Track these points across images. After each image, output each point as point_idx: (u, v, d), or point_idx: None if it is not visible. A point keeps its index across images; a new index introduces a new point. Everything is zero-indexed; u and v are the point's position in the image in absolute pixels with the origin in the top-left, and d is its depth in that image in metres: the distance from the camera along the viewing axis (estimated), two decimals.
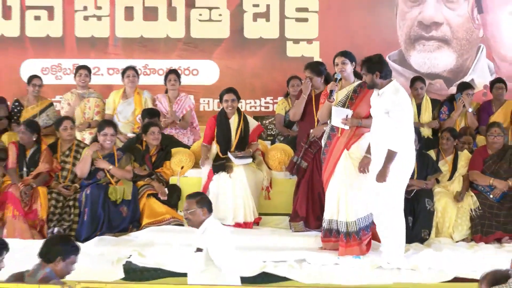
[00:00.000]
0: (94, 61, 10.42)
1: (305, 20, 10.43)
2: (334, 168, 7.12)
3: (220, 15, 10.44)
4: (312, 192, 7.68)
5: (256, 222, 8.05)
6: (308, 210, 7.71)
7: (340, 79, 7.17)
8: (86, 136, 9.08)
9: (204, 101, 10.49)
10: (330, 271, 6.92)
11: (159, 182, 8.18)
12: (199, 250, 5.75)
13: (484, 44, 10.50)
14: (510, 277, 4.78)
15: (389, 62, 8.39)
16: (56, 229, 7.81)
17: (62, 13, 10.43)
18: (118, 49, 10.51)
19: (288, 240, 7.57)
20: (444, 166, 8.29)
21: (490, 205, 7.95)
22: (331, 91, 7.10)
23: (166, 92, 9.42)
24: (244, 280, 6.72)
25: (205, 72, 10.49)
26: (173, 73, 9.44)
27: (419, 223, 7.81)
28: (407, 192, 7.31)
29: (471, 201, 8.01)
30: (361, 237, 7.09)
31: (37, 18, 10.45)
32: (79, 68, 9.40)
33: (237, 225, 7.90)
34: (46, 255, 5.17)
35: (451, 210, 7.95)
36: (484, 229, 7.87)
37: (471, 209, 7.97)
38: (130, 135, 9.00)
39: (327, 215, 7.22)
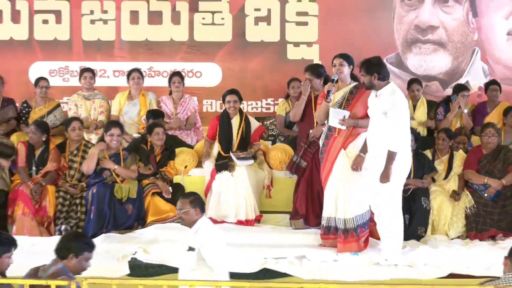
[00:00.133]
0: (100, 64, 10.43)
1: (305, 24, 10.43)
2: (332, 167, 7.13)
3: (222, 19, 10.44)
4: (312, 191, 7.69)
5: (258, 220, 8.05)
6: (307, 208, 7.72)
7: (337, 81, 7.17)
8: (92, 136, 9.10)
9: (207, 102, 10.49)
10: (329, 267, 6.92)
11: (163, 181, 8.19)
12: (191, 249, 5.75)
13: (479, 47, 10.50)
14: None
15: (387, 64, 8.38)
16: (63, 227, 7.83)
17: (69, 17, 10.43)
18: (124, 52, 10.51)
19: (288, 237, 7.58)
20: (440, 165, 8.29)
21: (484, 203, 7.95)
22: (328, 92, 7.11)
23: (170, 93, 9.42)
24: (246, 276, 6.75)
25: (208, 74, 10.49)
26: (177, 75, 9.44)
27: (415, 220, 7.80)
28: (404, 190, 7.33)
29: (466, 199, 8.01)
30: (358, 234, 7.09)
31: (45, 22, 10.45)
32: (84, 71, 9.40)
33: (239, 222, 7.90)
34: (60, 251, 5.18)
35: (447, 208, 7.95)
36: (479, 226, 7.87)
37: (466, 207, 7.97)
38: (135, 135, 9.00)
39: (326, 213, 7.23)
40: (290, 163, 7.88)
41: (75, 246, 5.17)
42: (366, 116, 7.07)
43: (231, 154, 8.08)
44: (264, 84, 10.47)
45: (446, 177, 8.25)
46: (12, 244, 5.11)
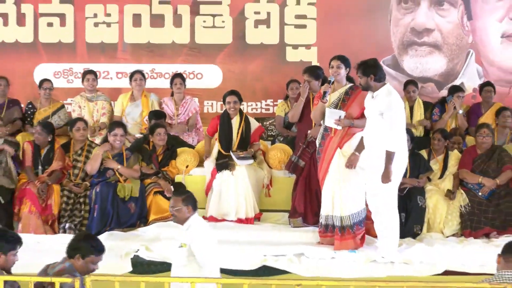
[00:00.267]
0: (104, 66, 10.43)
1: (304, 26, 10.43)
2: (329, 166, 7.13)
3: (223, 22, 10.44)
4: (310, 190, 7.69)
5: (257, 218, 8.05)
6: (306, 207, 7.72)
7: (333, 82, 7.18)
8: (96, 137, 9.09)
9: (208, 103, 10.49)
10: (327, 264, 6.92)
11: (165, 180, 8.19)
12: (182, 245, 5.75)
13: (473, 49, 10.49)
14: None
15: (383, 66, 8.36)
16: (67, 225, 7.84)
17: (73, 20, 10.44)
18: (127, 54, 10.52)
19: (287, 235, 7.57)
20: (435, 165, 8.29)
21: (479, 202, 7.95)
22: (325, 93, 7.12)
23: (172, 95, 9.42)
24: (246, 273, 6.75)
25: (209, 76, 10.49)
26: (178, 77, 9.43)
27: (411, 219, 7.81)
28: (400, 189, 7.33)
29: (460, 198, 8.02)
30: (355, 232, 7.09)
31: (49, 24, 10.45)
32: (86, 73, 9.39)
33: (239, 220, 7.90)
34: (68, 250, 5.20)
35: (442, 207, 7.95)
36: (473, 224, 7.87)
37: (461, 205, 7.98)
38: (138, 135, 9.00)
39: (324, 212, 7.23)
40: (289, 162, 7.89)
41: (82, 247, 5.16)
42: (361, 116, 7.10)
43: (231, 153, 8.08)
44: (264, 85, 10.47)
45: (441, 176, 8.26)
46: (17, 242, 5.11)
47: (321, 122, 7.27)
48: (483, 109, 9.48)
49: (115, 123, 8.46)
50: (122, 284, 4.66)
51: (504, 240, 6.56)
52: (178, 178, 8.34)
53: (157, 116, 8.84)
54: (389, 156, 6.68)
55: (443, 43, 10.48)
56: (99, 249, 5.17)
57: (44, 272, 5.14)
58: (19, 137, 8.78)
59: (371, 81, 6.81)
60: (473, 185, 8.07)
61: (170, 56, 10.49)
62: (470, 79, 10.45)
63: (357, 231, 7.12)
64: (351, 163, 7.02)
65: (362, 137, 7.04)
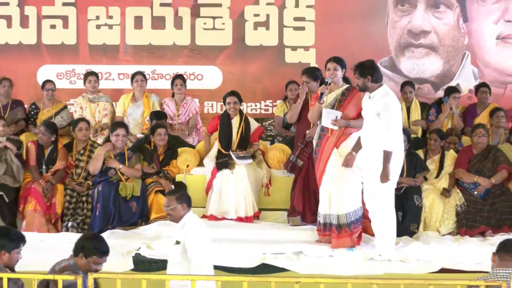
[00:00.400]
0: (106, 67, 10.43)
1: (302, 28, 10.43)
2: (326, 166, 7.14)
3: (223, 24, 10.44)
4: (308, 189, 7.69)
5: (256, 216, 8.05)
6: (304, 206, 7.72)
7: (330, 83, 7.18)
8: (98, 137, 9.09)
9: (208, 104, 10.49)
10: (325, 262, 6.92)
11: (166, 180, 8.19)
12: (177, 243, 5.75)
13: (469, 51, 10.49)
14: None
15: (381, 67, 8.36)
16: (70, 223, 7.84)
17: (76, 22, 10.43)
18: (128, 55, 10.51)
19: (286, 234, 7.57)
20: (432, 164, 8.29)
21: (474, 201, 7.95)
22: (322, 94, 7.12)
23: (173, 96, 9.42)
24: (245, 271, 6.75)
25: (209, 77, 10.48)
26: (179, 78, 9.44)
27: (408, 217, 7.80)
28: (397, 189, 7.33)
29: (456, 197, 8.02)
30: (352, 230, 7.10)
31: (52, 26, 10.45)
32: (88, 74, 9.38)
33: (239, 219, 7.90)
34: (74, 248, 5.20)
35: (438, 206, 7.95)
36: (469, 223, 7.87)
37: (456, 204, 7.97)
38: (139, 135, 9.00)
39: (322, 210, 7.23)
40: (287, 162, 7.90)
41: (86, 247, 5.16)
42: (357, 117, 7.11)
43: (231, 152, 8.09)
44: (263, 86, 10.47)
45: (437, 176, 8.26)
46: (21, 240, 5.11)
47: (318, 122, 7.27)
48: (478, 110, 9.48)
49: (117, 124, 8.46)
50: (124, 282, 4.66)
51: (499, 238, 6.55)
52: (179, 178, 8.33)
53: (158, 117, 8.84)
54: (387, 156, 6.68)
55: (439, 45, 10.48)
56: (102, 251, 5.15)
57: (52, 269, 5.15)
58: (22, 137, 8.78)
59: (368, 82, 6.81)
60: (468, 184, 8.07)
61: (171, 57, 10.49)
62: (466, 80, 10.45)
63: (354, 229, 7.12)
64: (347, 163, 7.03)
65: (359, 137, 7.04)
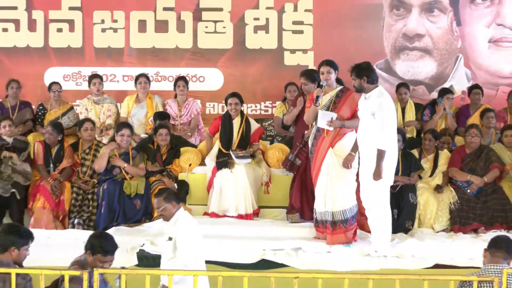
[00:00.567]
0: (111, 69, 10.43)
1: (301, 32, 10.43)
2: (321, 165, 7.14)
3: (224, 27, 10.43)
4: (306, 187, 7.70)
5: (256, 213, 8.05)
6: (302, 203, 7.72)
7: (324, 86, 7.18)
8: (103, 136, 9.09)
9: (209, 105, 10.48)
10: (323, 258, 6.93)
11: (169, 178, 8.19)
12: (170, 239, 5.75)
13: (462, 54, 10.49)
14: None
15: (376, 70, 8.36)
16: (76, 220, 7.83)
17: (82, 25, 10.43)
18: (132, 58, 10.51)
19: (285, 230, 7.58)
20: (426, 163, 8.30)
21: (467, 199, 7.95)
22: (317, 97, 7.12)
23: (175, 97, 9.42)
24: (246, 266, 6.75)
25: (210, 79, 10.48)
26: (181, 80, 9.44)
27: (403, 215, 7.80)
28: (393, 187, 7.33)
29: (450, 195, 8.02)
30: (346, 227, 7.10)
31: (59, 30, 10.44)
32: (92, 77, 9.37)
33: (239, 216, 7.91)
34: (84, 245, 5.20)
35: (432, 203, 7.95)
36: (462, 220, 7.87)
37: (450, 202, 7.98)
38: (143, 135, 9.01)
39: (317, 208, 7.23)
40: (286, 160, 7.91)
41: (93, 245, 5.16)
42: (352, 117, 7.12)
43: (231, 152, 8.09)
44: (263, 88, 10.47)
45: (431, 174, 8.26)
46: (30, 237, 5.11)
47: (314, 123, 7.28)
48: (471, 111, 9.48)
49: (122, 124, 8.48)
50: (128, 277, 4.66)
51: (491, 235, 6.55)
52: (181, 176, 8.34)
53: (161, 117, 8.84)
54: (380, 155, 6.68)
55: (433, 48, 10.47)
56: (105, 250, 5.14)
57: (70, 264, 5.18)
58: (30, 137, 8.79)
59: (364, 83, 6.83)
60: (462, 182, 8.08)
61: (173, 60, 10.48)
62: (459, 82, 10.45)
63: (349, 226, 7.13)
64: (347, 163, 7.03)
65: (357, 138, 7.05)
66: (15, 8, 10.42)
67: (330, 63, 7.22)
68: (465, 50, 10.49)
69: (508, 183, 8.13)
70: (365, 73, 6.81)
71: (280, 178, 8.27)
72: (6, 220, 7.74)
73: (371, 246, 7.02)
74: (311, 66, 10.08)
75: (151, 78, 9.68)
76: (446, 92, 9.41)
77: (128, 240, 7.17)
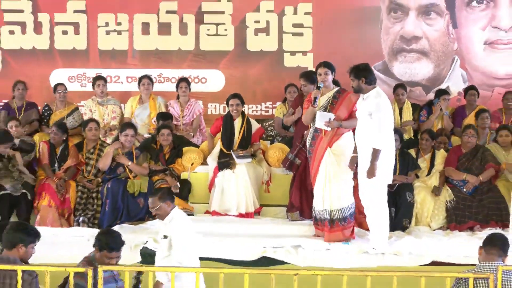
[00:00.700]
0: (115, 71, 10.42)
1: (301, 34, 10.42)
2: (319, 164, 7.13)
3: (225, 30, 10.42)
4: (305, 186, 7.70)
5: (257, 212, 8.05)
6: (302, 202, 7.73)
7: (321, 87, 7.17)
8: (107, 137, 9.09)
9: (211, 105, 10.47)
10: (322, 255, 6.93)
11: (172, 177, 8.19)
12: (165, 237, 5.74)
13: (458, 56, 10.48)
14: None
15: (374, 71, 8.36)
16: (81, 218, 7.83)
17: (86, 28, 10.42)
18: (136, 60, 10.50)
19: (285, 228, 7.58)
20: (423, 163, 8.29)
21: (463, 198, 7.95)
22: (315, 98, 7.12)
23: (178, 98, 9.42)
24: (246, 263, 6.75)
25: (212, 80, 10.47)
26: (184, 81, 9.44)
27: (401, 213, 7.81)
28: (390, 186, 7.34)
29: (446, 193, 8.02)
30: (344, 225, 7.09)
31: (64, 32, 10.44)
32: (96, 79, 9.37)
33: (240, 215, 7.91)
34: (93, 241, 5.20)
35: (429, 202, 7.95)
36: (458, 218, 7.87)
37: (446, 201, 7.98)
38: (146, 135, 9.01)
39: (317, 206, 7.23)
40: (285, 159, 7.91)
41: (100, 241, 5.16)
42: (348, 118, 7.11)
43: (232, 152, 8.08)
44: (263, 89, 10.46)
45: (428, 173, 8.26)
46: (37, 235, 5.11)
47: (311, 124, 7.28)
48: (467, 111, 9.47)
49: (127, 124, 8.49)
50: (132, 273, 4.66)
51: (486, 233, 6.55)
52: (184, 175, 8.34)
53: (164, 118, 8.84)
54: (375, 154, 6.69)
55: (430, 50, 10.46)
56: (110, 246, 5.13)
57: (82, 259, 5.21)
58: (36, 137, 8.80)
59: (362, 84, 6.83)
60: (458, 181, 8.07)
61: (176, 62, 10.47)
62: (455, 83, 10.43)
63: (347, 224, 7.12)
64: (352, 164, 7.02)
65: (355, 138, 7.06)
66: (21, 11, 10.42)
67: (327, 65, 7.22)
68: (461, 52, 10.48)
69: (503, 182, 8.13)
70: (363, 74, 6.81)
71: (280, 177, 8.27)
72: (13, 218, 7.74)
73: (369, 244, 7.01)
74: (311, 67, 10.06)
75: (154, 80, 9.69)
76: (442, 93, 9.41)
77: (131, 237, 7.16)
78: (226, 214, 7.92)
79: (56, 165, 8.20)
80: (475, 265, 5.12)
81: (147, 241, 7.09)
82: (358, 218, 7.44)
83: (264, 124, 9.69)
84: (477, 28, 10.42)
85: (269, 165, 8.34)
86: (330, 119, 7.05)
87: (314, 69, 9.33)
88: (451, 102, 9.74)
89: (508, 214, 7.64)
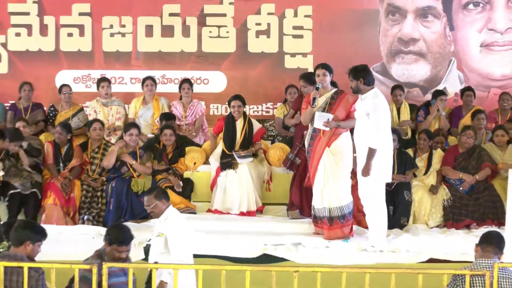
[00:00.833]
0: (119, 72, 10.43)
1: (301, 36, 10.42)
2: (318, 163, 7.13)
3: (227, 32, 10.43)
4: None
5: (260, 210, 8.06)
6: (302, 200, 7.72)
7: (320, 88, 7.18)
8: (111, 137, 9.09)
9: (213, 106, 10.47)
10: (322, 253, 6.92)
11: (174, 176, 8.19)
12: (160, 235, 5.74)
13: (455, 57, 10.48)
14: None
15: (373, 72, 8.36)
16: (86, 217, 7.84)
17: (91, 30, 10.42)
18: (140, 61, 10.50)
19: (285, 226, 7.57)
20: (421, 162, 8.29)
21: (460, 196, 7.95)
22: (314, 99, 7.12)
23: (181, 98, 9.42)
24: (248, 260, 6.75)
25: (214, 81, 10.48)
26: (186, 82, 9.44)
27: (399, 211, 7.81)
28: (389, 185, 7.34)
29: (443, 192, 8.02)
30: (343, 222, 7.09)
31: (70, 35, 10.44)
32: (101, 81, 9.37)
33: (241, 214, 7.90)
34: (104, 235, 5.22)
35: (427, 201, 7.95)
36: (455, 217, 7.87)
37: (443, 199, 7.98)
38: (150, 135, 9.01)
39: (316, 205, 7.23)
40: (286, 159, 7.91)
41: (110, 236, 5.17)
42: (346, 118, 7.11)
43: (233, 153, 8.08)
44: (264, 90, 10.46)
45: (426, 173, 8.26)
46: (44, 234, 5.13)
47: (310, 124, 7.28)
48: (464, 112, 9.47)
49: (131, 124, 8.51)
50: (136, 270, 4.67)
51: (483, 231, 6.51)
52: (186, 174, 8.34)
53: (167, 118, 8.85)
54: (371, 153, 6.70)
55: (427, 52, 10.46)
56: (120, 241, 5.14)
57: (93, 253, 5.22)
58: (42, 137, 8.81)
59: (361, 85, 6.83)
60: (454, 180, 8.07)
61: (179, 63, 10.48)
62: (452, 84, 10.44)
63: (346, 222, 7.12)
64: (355, 164, 7.02)
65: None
66: (27, 13, 10.43)
67: (325, 66, 7.22)
68: (458, 53, 10.48)
69: (499, 181, 8.12)
70: (361, 75, 6.81)
71: (280, 176, 8.27)
72: (21, 216, 7.75)
73: (368, 241, 7.01)
74: (311, 69, 10.03)
75: (157, 81, 9.69)
76: (439, 94, 9.41)
77: (135, 235, 7.00)
78: (228, 213, 7.92)
79: (61, 164, 8.21)
80: (471, 262, 5.12)
81: (150, 239, 7.06)
82: (357, 216, 7.45)
83: (265, 124, 9.69)
84: (474, 30, 10.42)
85: (270, 164, 8.34)
86: (328, 119, 7.05)
87: (313, 71, 9.38)
88: (448, 103, 9.74)
89: (503, 213, 7.60)
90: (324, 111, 7.13)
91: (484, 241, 5.08)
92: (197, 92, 9.92)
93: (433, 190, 8.00)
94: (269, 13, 10.42)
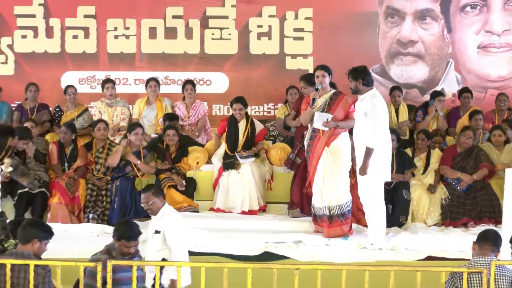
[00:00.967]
0: (123, 73, 10.43)
1: (301, 38, 10.42)
2: (318, 163, 7.13)
3: (229, 34, 10.43)
4: (305, 184, 7.68)
5: (263, 209, 8.06)
6: (302, 199, 7.72)
7: (319, 89, 7.18)
8: (116, 136, 9.09)
9: (216, 107, 10.48)
10: (322, 250, 6.92)
11: (178, 175, 8.19)
12: (157, 232, 5.75)
13: (453, 59, 10.48)
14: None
15: (372, 74, 8.36)
16: (91, 215, 7.84)
17: (96, 32, 10.43)
18: (144, 63, 10.50)
19: (286, 225, 7.57)
20: (419, 162, 8.29)
21: (457, 195, 7.95)
22: (313, 99, 7.12)
23: (184, 99, 9.43)
24: (249, 258, 6.75)
25: (216, 82, 10.48)
26: (189, 83, 9.45)
27: (397, 210, 7.80)
28: (388, 184, 7.33)
29: (441, 191, 8.02)
30: (342, 220, 7.09)
31: (75, 37, 10.45)
32: (105, 82, 9.38)
33: (243, 212, 7.91)
34: (112, 231, 5.22)
35: (425, 200, 7.95)
36: (453, 215, 7.87)
37: (441, 198, 7.97)
38: (153, 135, 9.02)
39: (316, 203, 7.23)
40: (287, 159, 7.92)
41: (118, 231, 5.18)
42: (345, 119, 7.11)
43: (236, 153, 8.08)
44: (266, 91, 10.46)
45: (424, 172, 8.25)
46: (51, 233, 5.14)
47: (309, 125, 7.28)
48: (461, 112, 9.47)
49: (135, 124, 8.53)
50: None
51: (480, 229, 6.54)
52: (189, 174, 8.34)
53: (171, 118, 8.85)
54: (368, 152, 6.69)
55: (425, 53, 10.46)
56: (128, 236, 5.15)
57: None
58: (47, 137, 8.82)
59: (360, 85, 6.83)
60: (452, 180, 8.07)
61: (182, 64, 10.48)
62: (450, 85, 10.43)
63: (345, 220, 7.12)
64: (355, 163, 7.02)
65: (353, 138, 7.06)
66: (33, 16, 10.43)
67: (324, 68, 7.22)
68: (455, 55, 10.48)
69: (496, 180, 8.12)
70: (360, 76, 6.81)
71: (281, 176, 8.27)
72: (27, 215, 7.75)
73: (367, 239, 7.01)
74: (311, 70, 10.01)
75: (161, 82, 9.69)
76: (437, 94, 9.41)
77: None
78: (230, 212, 7.92)
79: (66, 164, 8.20)
80: (469, 260, 5.12)
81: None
82: (356, 214, 7.45)
83: (266, 124, 9.69)
84: (471, 32, 10.42)
85: (271, 164, 8.34)
86: (327, 119, 7.05)
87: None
88: (446, 104, 9.74)
89: (500, 211, 7.61)
90: (323, 112, 7.13)
91: (481, 239, 5.08)
92: (199, 93, 9.92)
93: (431, 189, 8.00)
94: (270, 16, 10.42)
